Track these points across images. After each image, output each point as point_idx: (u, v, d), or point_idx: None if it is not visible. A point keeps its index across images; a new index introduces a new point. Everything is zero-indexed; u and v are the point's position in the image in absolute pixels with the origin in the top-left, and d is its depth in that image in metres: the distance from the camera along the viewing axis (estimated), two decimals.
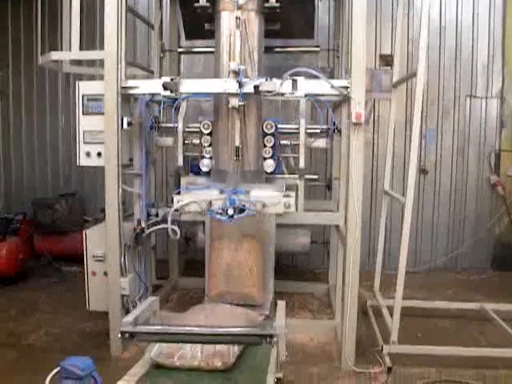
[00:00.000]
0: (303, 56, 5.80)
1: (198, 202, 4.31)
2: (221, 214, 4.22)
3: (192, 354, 2.94)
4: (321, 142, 4.69)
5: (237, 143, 4.33)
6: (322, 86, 4.06)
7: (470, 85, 6.88)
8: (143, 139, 4.63)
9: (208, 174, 4.67)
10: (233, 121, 4.35)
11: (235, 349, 3.01)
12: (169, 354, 2.96)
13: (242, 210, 4.20)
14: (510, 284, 6.34)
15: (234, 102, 4.11)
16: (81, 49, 4.57)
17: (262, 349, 3.13)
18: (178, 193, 4.62)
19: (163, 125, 4.82)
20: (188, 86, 4.14)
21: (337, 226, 4.98)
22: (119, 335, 2.96)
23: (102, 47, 4.18)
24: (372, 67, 6.39)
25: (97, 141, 4.33)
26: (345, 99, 4.20)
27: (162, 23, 5.47)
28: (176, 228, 4.48)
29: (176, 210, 4.46)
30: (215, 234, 4.32)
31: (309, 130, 4.63)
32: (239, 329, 3.09)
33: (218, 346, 2.96)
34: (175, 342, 2.97)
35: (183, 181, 4.72)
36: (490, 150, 6.96)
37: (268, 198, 4.35)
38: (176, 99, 4.45)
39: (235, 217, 4.18)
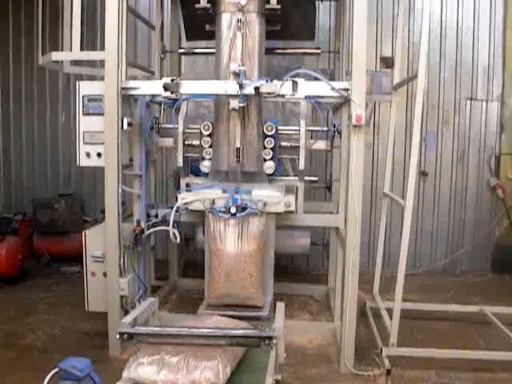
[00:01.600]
0: (304, 58, 5.79)
1: (201, 200, 4.32)
2: (224, 212, 4.25)
3: (175, 375, 2.75)
4: (321, 144, 4.68)
5: (237, 144, 4.33)
6: (322, 88, 4.06)
7: (470, 88, 6.89)
8: (143, 140, 4.63)
9: (208, 175, 4.67)
10: (233, 122, 4.35)
11: (227, 369, 2.82)
12: (150, 372, 2.77)
13: (244, 209, 4.23)
14: (509, 287, 6.35)
15: (235, 103, 4.11)
16: (81, 49, 4.57)
17: (261, 351, 3.12)
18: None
19: (163, 125, 4.81)
20: (188, 87, 4.15)
21: (337, 228, 4.98)
22: (118, 336, 2.96)
23: (102, 48, 4.18)
24: (372, 69, 6.40)
25: (97, 141, 4.33)
26: (345, 101, 4.20)
27: (162, 24, 5.47)
28: (176, 232, 4.48)
29: (177, 211, 4.45)
30: (215, 237, 4.32)
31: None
32: (238, 331, 3.09)
33: (208, 366, 2.76)
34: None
35: (183, 182, 4.72)
36: (490, 153, 6.97)
37: (269, 197, 4.36)
38: (176, 100, 4.45)
39: (237, 215, 4.22)
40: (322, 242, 6.29)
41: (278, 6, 4.27)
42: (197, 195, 4.41)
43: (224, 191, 4.38)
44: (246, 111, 4.30)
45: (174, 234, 4.47)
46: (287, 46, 5.44)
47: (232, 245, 4.26)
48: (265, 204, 4.26)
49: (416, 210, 6.76)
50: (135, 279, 4.56)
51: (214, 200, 4.30)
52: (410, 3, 6.57)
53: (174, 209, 4.41)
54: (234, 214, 4.22)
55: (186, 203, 4.40)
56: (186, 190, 4.62)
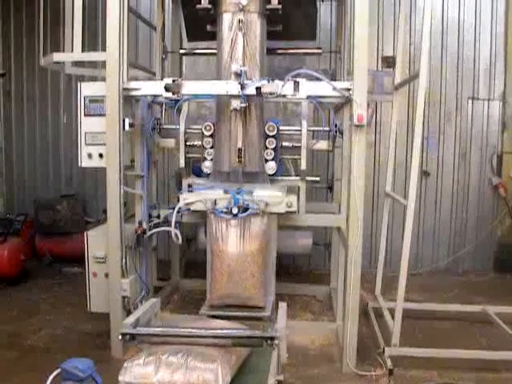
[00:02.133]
0: (305, 58, 5.79)
1: (203, 201, 4.31)
2: (225, 212, 4.24)
3: (173, 376, 2.63)
4: (322, 144, 4.68)
5: (239, 145, 4.33)
6: (323, 88, 4.06)
7: (472, 87, 6.88)
8: (145, 141, 4.63)
9: (209, 175, 4.67)
10: (235, 123, 4.35)
11: (228, 373, 2.68)
12: (147, 373, 2.67)
13: (245, 209, 4.23)
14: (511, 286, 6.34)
15: (236, 103, 4.11)
16: (83, 50, 4.57)
17: (263, 351, 3.12)
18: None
19: (165, 126, 4.82)
20: (190, 87, 4.15)
21: (338, 228, 4.97)
22: (120, 337, 2.96)
23: (104, 48, 4.18)
24: (374, 69, 6.39)
25: (98, 142, 4.34)
26: (347, 101, 4.20)
27: (163, 25, 5.47)
28: (178, 233, 4.48)
29: (178, 212, 4.45)
30: (216, 238, 4.32)
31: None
32: (240, 331, 3.09)
33: (208, 368, 2.64)
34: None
35: (185, 182, 4.73)
36: (492, 152, 6.96)
37: (271, 197, 4.35)
38: (178, 101, 4.45)
39: (239, 215, 4.20)
40: (323, 242, 6.28)
41: (279, 6, 4.27)
42: (198, 196, 4.41)
43: (226, 192, 4.37)
44: (247, 111, 4.30)
45: (176, 234, 4.47)
46: (288, 46, 5.44)
47: (234, 245, 4.25)
48: (266, 204, 4.26)
49: (418, 210, 6.75)
50: (137, 280, 4.56)
51: (215, 201, 4.29)
52: (411, 2, 6.58)
53: (176, 209, 4.41)
54: (235, 215, 4.21)
55: (187, 204, 4.41)
56: (188, 191, 4.62)
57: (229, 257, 4.25)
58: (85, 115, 4.40)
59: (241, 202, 4.23)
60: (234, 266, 4.24)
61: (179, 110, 4.61)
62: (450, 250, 7.05)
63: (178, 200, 4.47)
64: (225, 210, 4.26)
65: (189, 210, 4.46)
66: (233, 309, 4.23)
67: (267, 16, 4.43)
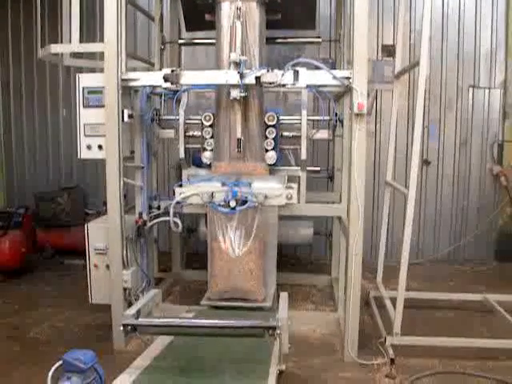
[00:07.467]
0: (305, 47, 5.76)
1: (199, 194, 4.28)
2: (223, 206, 4.20)
3: None
4: (323, 134, 4.66)
5: (238, 135, 4.31)
6: (323, 77, 4.02)
7: (472, 75, 6.84)
8: (144, 132, 4.62)
9: (210, 166, 4.65)
10: (234, 112, 4.33)
11: None
12: None
13: (244, 202, 4.19)
14: None
15: (235, 93, 4.09)
16: (81, 41, 4.54)
17: (265, 341, 3.12)
18: (180, 185, 4.60)
19: (164, 117, 4.80)
20: (189, 77, 4.12)
21: (339, 218, 4.96)
22: (121, 328, 2.97)
23: (102, 39, 4.15)
24: (374, 58, 6.37)
25: (97, 133, 4.32)
26: (347, 90, 4.17)
27: (162, 15, 5.43)
28: (178, 220, 4.47)
29: (178, 203, 4.44)
30: (215, 231, 4.30)
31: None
32: (242, 321, 3.09)
33: None
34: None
35: (185, 173, 4.71)
36: (492, 141, 6.93)
37: (270, 189, 4.33)
38: (177, 91, 4.43)
39: (237, 209, 4.16)
40: (325, 231, 6.28)
41: None
42: (195, 189, 4.37)
43: (223, 184, 4.33)
44: (247, 101, 4.28)
45: (175, 222, 4.44)
46: (288, 36, 5.41)
47: (232, 239, 4.24)
48: (266, 197, 4.23)
49: (418, 199, 6.74)
50: (138, 271, 4.56)
51: (212, 193, 4.26)
52: None
53: (174, 203, 4.39)
54: (233, 208, 4.17)
55: (184, 198, 4.37)
56: (185, 183, 4.59)
57: (227, 250, 4.24)
58: (84, 107, 4.38)
59: (239, 195, 4.19)
60: (232, 260, 4.23)
61: (178, 101, 4.58)
62: (450, 239, 7.05)
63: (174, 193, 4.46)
64: (222, 203, 4.21)
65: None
66: (234, 300, 4.24)
67: (266, 5, 4.40)
